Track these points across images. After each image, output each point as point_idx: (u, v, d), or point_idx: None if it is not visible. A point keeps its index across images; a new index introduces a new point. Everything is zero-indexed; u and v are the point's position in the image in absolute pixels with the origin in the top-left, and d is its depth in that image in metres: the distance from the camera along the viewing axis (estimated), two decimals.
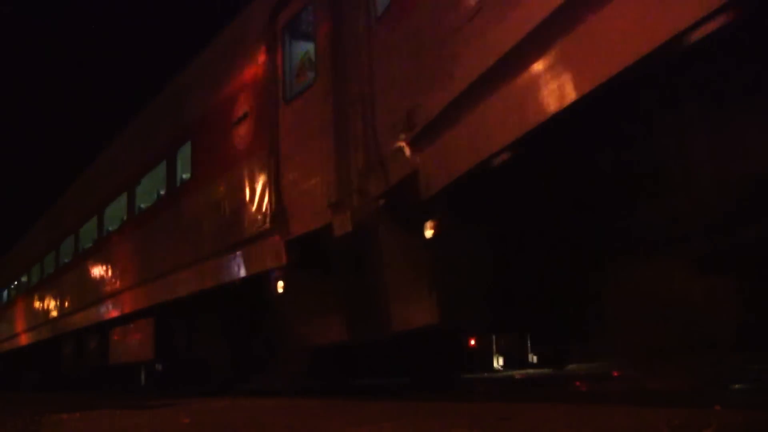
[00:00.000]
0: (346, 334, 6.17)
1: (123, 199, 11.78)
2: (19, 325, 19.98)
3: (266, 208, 7.12)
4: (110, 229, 12.75)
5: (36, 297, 18.06)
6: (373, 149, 5.63)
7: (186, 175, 9.34)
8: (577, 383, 7.21)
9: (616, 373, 8.65)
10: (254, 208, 7.36)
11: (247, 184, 7.56)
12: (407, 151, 5.01)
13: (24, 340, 19.20)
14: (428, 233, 4.75)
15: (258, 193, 7.29)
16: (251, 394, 7.82)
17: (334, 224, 6.07)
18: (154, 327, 10.53)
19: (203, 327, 9.15)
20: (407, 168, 5.03)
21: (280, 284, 7.07)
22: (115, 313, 11.91)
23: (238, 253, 7.74)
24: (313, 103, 6.54)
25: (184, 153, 9.30)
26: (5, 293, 23.16)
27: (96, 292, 12.90)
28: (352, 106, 5.97)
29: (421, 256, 4.98)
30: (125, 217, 11.86)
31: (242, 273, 7.65)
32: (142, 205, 11.13)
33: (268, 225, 7.06)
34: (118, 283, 11.90)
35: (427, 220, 4.77)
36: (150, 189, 10.87)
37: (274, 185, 6.99)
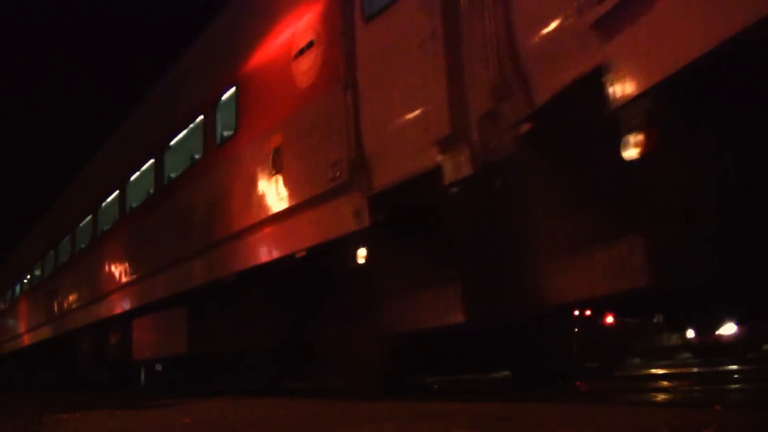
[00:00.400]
0: (461, 315, 4.61)
1: (150, 168, 10.21)
2: (32, 320, 18.51)
3: (341, 157, 5.56)
4: (134, 205, 11.18)
5: (49, 290, 16.55)
6: (508, 57, 4.09)
7: (228, 133, 7.78)
8: (577, 383, 7.11)
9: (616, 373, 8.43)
10: (324, 158, 5.81)
11: (313, 129, 6.00)
12: (584, 41, 3.46)
13: (37, 336, 17.71)
14: (630, 152, 3.17)
15: (329, 138, 5.74)
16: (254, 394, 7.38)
17: (445, 167, 4.55)
18: (187, 316, 9.01)
19: (249, 314, 7.60)
20: (581, 66, 3.49)
21: (361, 253, 5.53)
22: (140, 302, 10.36)
23: (302, 216, 6.17)
24: (407, 15, 5.01)
25: (226, 104, 7.74)
26: (17, 288, 21.69)
27: (118, 279, 11.38)
28: (471, 4, 4.44)
29: (608, 189, 3.43)
30: (152, 190, 10.29)
31: (307, 242, 6.08)
32: (172, 175, 9.56)
33: (344, 177, 5.51)
34: (144, 266, 10.32)
35: (627, 133, 3.20)
36: (182, 154, 9.30)
37: (353, 126, 5.45)
